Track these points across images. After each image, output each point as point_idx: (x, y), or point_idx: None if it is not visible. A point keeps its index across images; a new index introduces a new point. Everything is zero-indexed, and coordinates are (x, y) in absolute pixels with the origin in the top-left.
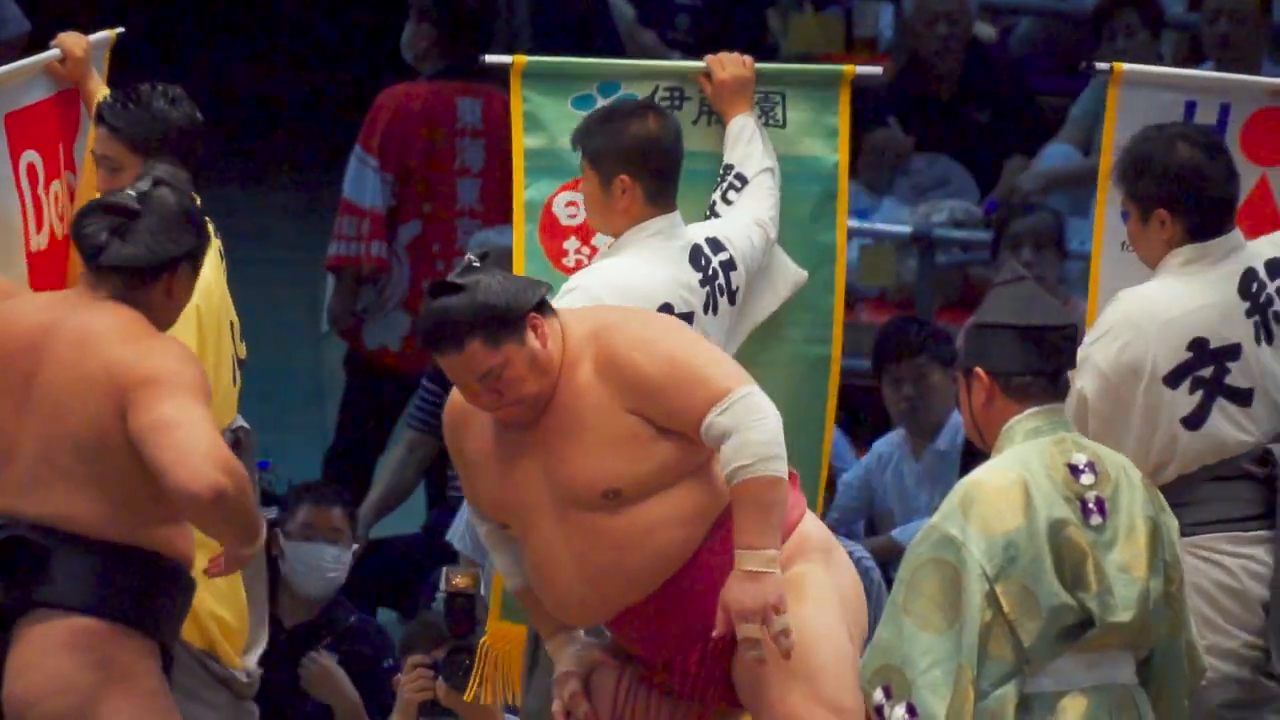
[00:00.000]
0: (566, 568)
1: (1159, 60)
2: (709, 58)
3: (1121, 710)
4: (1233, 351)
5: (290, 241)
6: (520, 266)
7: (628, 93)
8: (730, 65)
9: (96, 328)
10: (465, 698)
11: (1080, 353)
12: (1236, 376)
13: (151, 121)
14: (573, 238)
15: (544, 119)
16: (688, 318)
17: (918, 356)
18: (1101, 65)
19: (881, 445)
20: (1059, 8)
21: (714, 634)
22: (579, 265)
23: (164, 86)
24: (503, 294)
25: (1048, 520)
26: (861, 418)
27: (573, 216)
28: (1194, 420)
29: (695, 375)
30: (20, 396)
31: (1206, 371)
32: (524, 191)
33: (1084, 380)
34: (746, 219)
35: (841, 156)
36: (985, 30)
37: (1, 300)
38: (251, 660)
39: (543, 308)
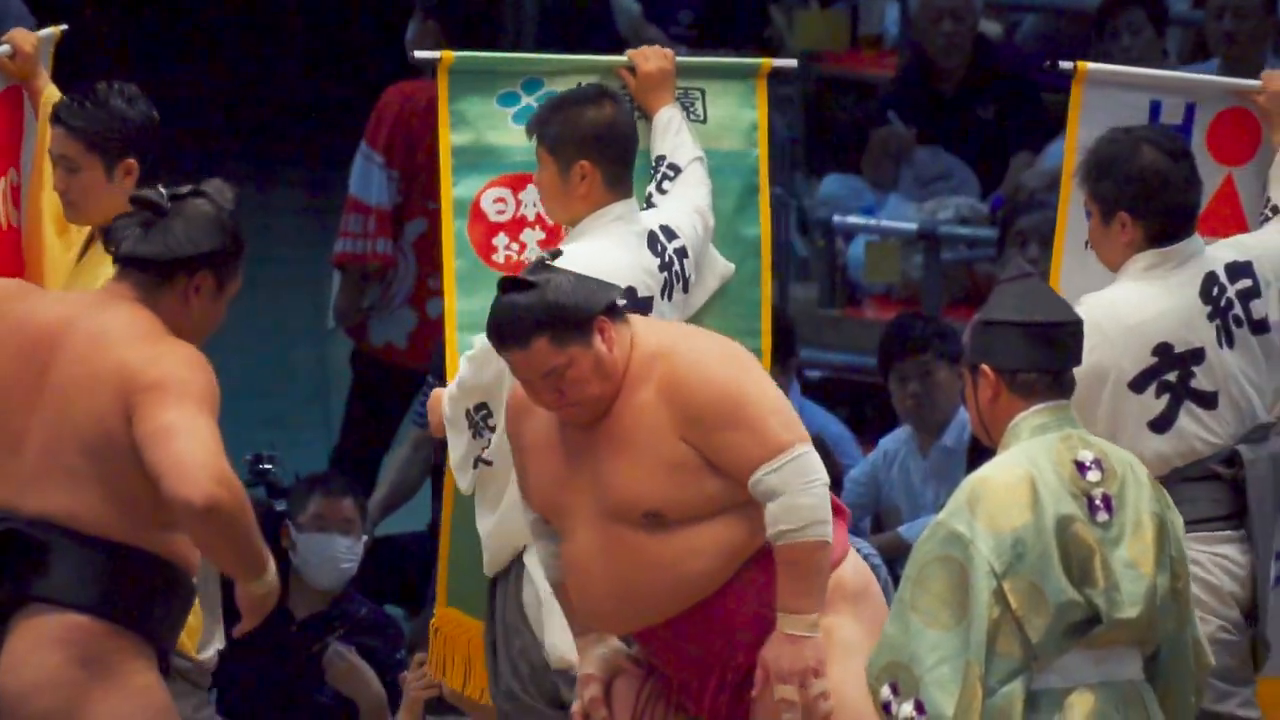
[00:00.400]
0: (597, 576)
1: (1164, 57)
2: (631, 51)
3: (1129, 706)
4: (1197, 355)
5: (296, 238)
6: (450, 263)
7: (551, 89)
8: (654, 58)
9: (111, 327)
10: (429, 672)
11: None
12: (1201, 380)
13: (109, 120)
14: (502, 234)
15: (470, 116)
16: (648, 302)
17: (924, 353)
18: (1065, 64)
19: (888, 442)
20: (1064, 5)
21: (752, 694)
22: (508, 261)
23: (120, 85)
24: (573, 294)
25: (1055, 517)
26: (867, 415)
27: (501, 213)
28: (1161, 424)
29: (753, 425)
30: (33, 389)
31: (1172, 375)
32: (452, 189)
33: None
34: (687, 207)
35: (761, 150)
36: (991, 27)
37: (25, 296)
38: (206, 654)
39: (613, 311)
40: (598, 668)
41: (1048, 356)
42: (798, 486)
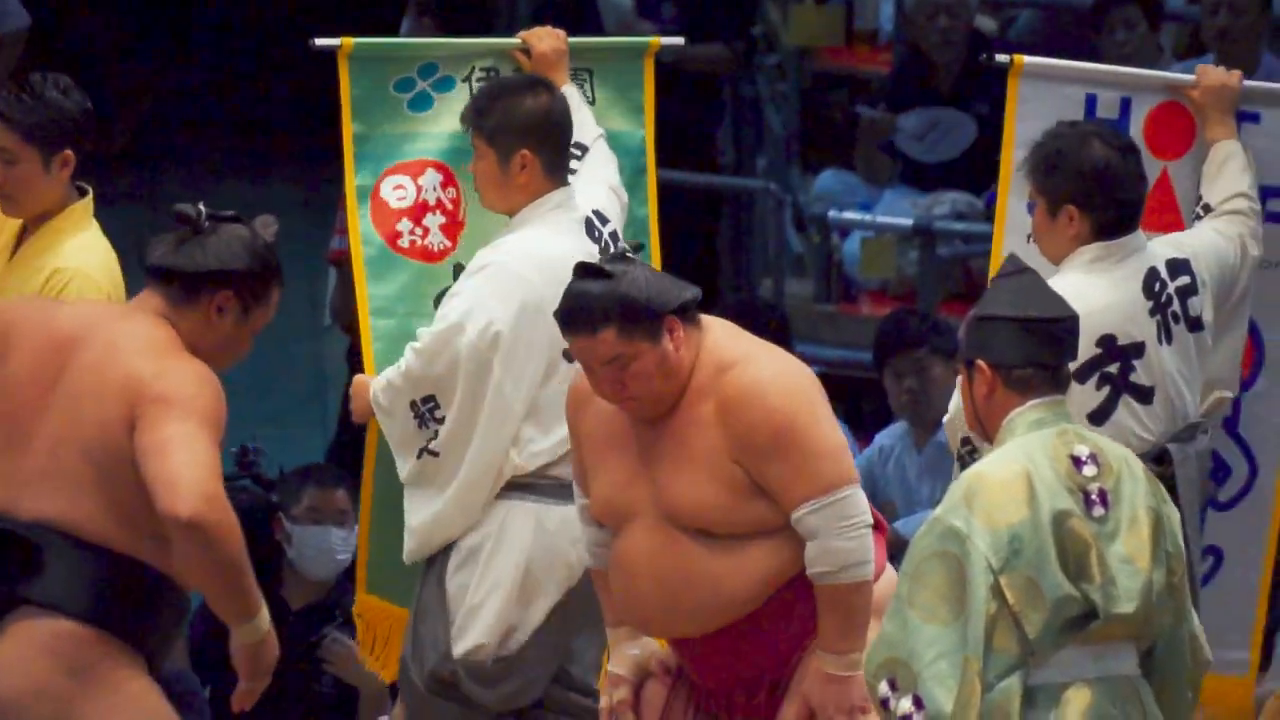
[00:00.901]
0: (645, 580)
1: (1159, 53)
2: (523, 33)
3: (1125, 701)
4: (1138, 349)
5: (292, 234)
6: (357, 250)
7: (446, 74)
8: (547, 38)
9: (127, 337)
10: (360, 658)
11: None
12: (1140, 374)
13: (45, 111)
14: (405, 220)
15: (369, 104)
16: None
17: (919, 349)
18: (1002, 57)
19: (883, 438)
20: (1059, 0)
21: None
22: (413, 246)
23: (55, 76)
24: (646, 289)
25: (1051, 512)
26: (863, 410)
27: (401, 199)
28: (1099, 416)
29: (801, 460)
30: (45, 392)
31: (1113, 368)
32: (354, 177)
33: None
34: (604, 188)
35: (648, 131)
36: (986, 22)
37: (50, 304)
38: None
39: (685, 311)
40: (628, 669)
41: (1044, 351)
42: (836, 529)
